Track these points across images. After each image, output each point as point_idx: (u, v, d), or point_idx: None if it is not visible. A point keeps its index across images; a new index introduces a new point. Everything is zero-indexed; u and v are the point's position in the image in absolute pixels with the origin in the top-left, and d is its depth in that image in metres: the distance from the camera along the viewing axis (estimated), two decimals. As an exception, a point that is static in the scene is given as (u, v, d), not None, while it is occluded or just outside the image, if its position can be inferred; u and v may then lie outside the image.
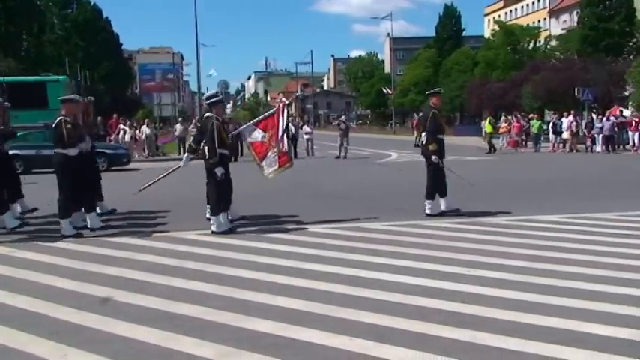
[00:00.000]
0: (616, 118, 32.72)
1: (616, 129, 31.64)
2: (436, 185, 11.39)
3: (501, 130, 35.98)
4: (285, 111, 11.16)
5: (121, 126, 32.94)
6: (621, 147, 31.97)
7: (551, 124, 35.34)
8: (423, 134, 11.66)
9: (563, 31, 69.16)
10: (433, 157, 11.34)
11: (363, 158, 28.78)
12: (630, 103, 41.67)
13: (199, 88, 54.18)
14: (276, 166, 11.09)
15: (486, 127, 34.40)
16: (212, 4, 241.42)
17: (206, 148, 10.20)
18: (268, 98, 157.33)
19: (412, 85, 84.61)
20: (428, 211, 11.33)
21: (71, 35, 65.60)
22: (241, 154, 31.56)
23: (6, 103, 11.83)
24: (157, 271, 7.65)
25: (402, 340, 5.12)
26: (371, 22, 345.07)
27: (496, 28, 70.76)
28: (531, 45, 66.49)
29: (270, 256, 8.35)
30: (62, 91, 31.94)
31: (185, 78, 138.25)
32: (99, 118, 34.73)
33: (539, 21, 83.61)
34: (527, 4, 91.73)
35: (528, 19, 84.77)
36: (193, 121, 42.74)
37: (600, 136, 31.54)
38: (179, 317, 5.85)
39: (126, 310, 6.13)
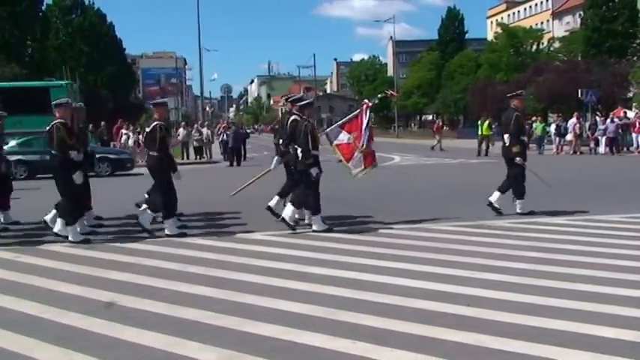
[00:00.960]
0: (620, 119, 32.69)
1: (620, 131, 31.62)
2: (521, 185, 11.59)
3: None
4: (369, 112, 11.28)
5: (124, 130, 33.00)
6: (625, 149, 31.94)
7: (554, 126, 35.30)
8: (506, 136, 11.85)
9: (567, 33, 69.15)
10: (517, 159, 11.58)
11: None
12: (634, 104, 41.66)
13: (202, 92, 54.53)
14: (362, 167, 11.26)
15: (484, 129, 33.08)
16: (215, 9, 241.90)
17: (299, 149, 10.41)
18: (271, 102, 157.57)
19: (415, 88, 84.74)
20: (519, 210, 11.52)
21: (75, 40, 65.70)
22: (244, 159, 31.65)
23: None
24: (160, 276, 7.67)
25: (403, 343, 5.13)
26: (373, 25, 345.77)
27: (499, 30, 70.80)
28: (534, 47, 66.50)
29: (271, 260, 8.37)
30: (65, 96, 32.11)
31: (188, 82, 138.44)
32: (102, 123, 34.90)
33: (542, 23, 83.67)
34: (530, 6, 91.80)
35: (531, 21, 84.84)
36: (195, 125, 42.85)
37: (604, 137, 31.51)
38: (183, 322, 5.87)
39: (130, 315, 6.15)
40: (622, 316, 5.65)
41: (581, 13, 62.28)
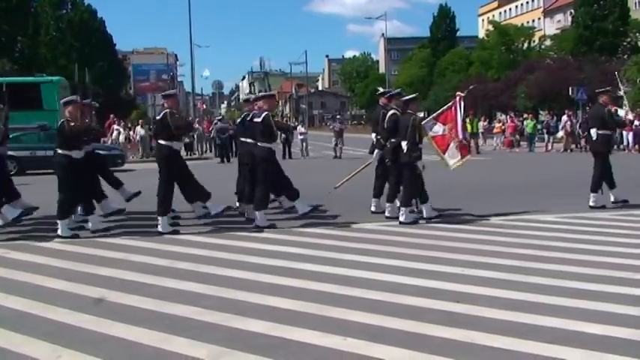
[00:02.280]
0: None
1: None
2: (604, 178, 11.86)
3: (495, 131, 36.00)
4: (462, 103, 11.43)
5: (115, 126, 32.89)
6: (615, 147, 31.95)
7: (544, 124, 35.37)
8: (593, 131, 12.15)
9: (558, 31, 69.22)
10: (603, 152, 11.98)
11: (357, 158, 28.76)
12: (625, 102, 41.76)
13: (193, 88, 54.33)
14: (459, 157, 11.36)
15: (473, 127, 32.32)
16: (206, 5, 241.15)
17: (404, 143, 10.59)
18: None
19: (407, 86, 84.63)
20: (592, 204, 11.72)
21: (65, 36, 65.42)
22: (235, 155, 31.54)
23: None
24: (149, 272, 7.64)
25: (394, 339, 5.13)
26: (365, 22, 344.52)
27: (490, 28, 70.85)
28: (526, 45, 66.58)
29: (261, 256, 8.35)
30: (56, 92, 31.97)
31: (179, 79, 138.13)
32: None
33: (533, 21, 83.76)
34: (522, 4, 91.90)
35: (523, 18, 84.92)
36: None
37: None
38: (172, 318, 5.86)
39: (120, 310, 6.13)
40: (612, 313, 5.67)
41: (572, 11, 62.39)
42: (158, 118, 10.86)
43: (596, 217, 10.93)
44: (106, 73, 60.34)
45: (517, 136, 35.82)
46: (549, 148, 33.39)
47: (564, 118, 33.15)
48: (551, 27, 78.67)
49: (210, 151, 35.35)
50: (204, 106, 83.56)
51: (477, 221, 10.76)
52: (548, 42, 65.65)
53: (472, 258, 7.98)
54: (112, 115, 35.15)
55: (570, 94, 37.41)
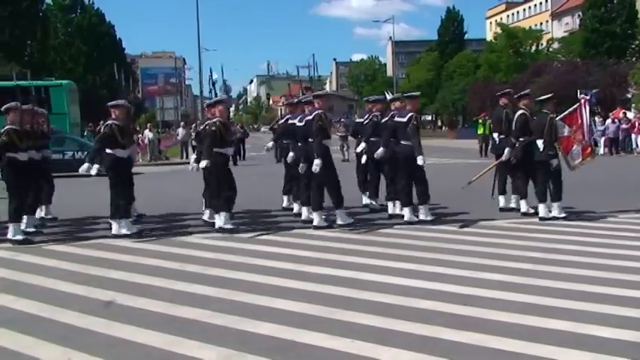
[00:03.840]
0: (619, 120, 32.67)
1: (620, 132, 31.58)
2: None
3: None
4: (587, 106, 11.73)
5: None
6: (621, 150, 31.82)
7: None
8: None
9: (566, 34, 69.18)
10: None
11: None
12: (633, 105, 41.67)
13: (201, 91, 54.37)
14: (580, 159, 11.62)
15: (486, 128, 32.70)
16: (214, 9, 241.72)
17: (539, 141, 10.92)
18: (270, 102, 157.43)
19: (414, 89, 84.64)
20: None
21: (74, 40, 65.73)
22: (243, 158, 31.64)
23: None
24: (159, 275, 7.67)
25: (403, 342, 5.14)
26: (372, 25, 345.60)
27: (498, 30, 70.78)
28: (534, 48, 66.50)
29: (270, 259, 8.37)
30: (65, 95, 32.10)
31: (187, 82, 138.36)
32: (101, 122, 34.85)
33: (541, 24, 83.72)
34: (530, 7, 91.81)
35: (530, 21, 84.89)
36: (194, 125, 42.80)
37: (603, 138, 31.48)
38: (182, 320, 5.88)
39: (130, 313, 6.16)
40: (620, 316, 5.66)
41: (580, 14, 62.35)
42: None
43: (605, 219, 10.90)
44: (115, 76, 60.45)
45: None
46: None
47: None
48: (559, 30, 78.57)
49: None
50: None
51: (486, 224, 10.74)
52: (556, 45, 65.60)
53: (481, 261, 7.97)
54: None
55: (578, 96, 37.29)
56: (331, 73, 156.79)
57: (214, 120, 10.54)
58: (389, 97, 13.06)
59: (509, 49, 65.23)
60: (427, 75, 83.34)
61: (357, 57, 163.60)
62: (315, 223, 10.65)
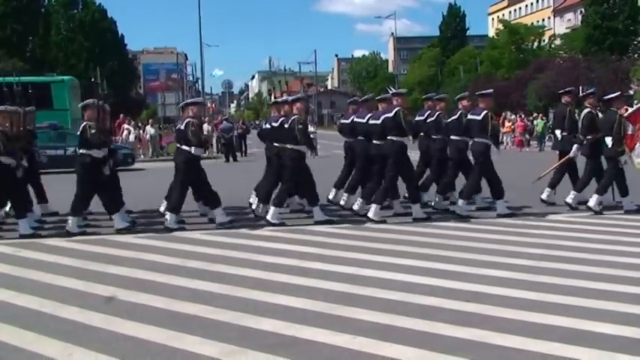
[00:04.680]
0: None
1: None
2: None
3: (505, 130, 35.92)
4: None
5: (125, 125, 32.97)
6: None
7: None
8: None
9: (568, 30, 69.05)
10: None
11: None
12: (635, 101, 41.60)
13: (203, 87, 54.36)
14: None
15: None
16: (215, 4, 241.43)
17: (607, 138, 11.25)
18: (272, 98, 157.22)
19: (416, 85, 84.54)
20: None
21: (76, 36, 65.62)
22: (245, 154, 31.62)
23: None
24: (161, 271, 7.67)
25: (405, 338, 5.13)
26: (374, 21, 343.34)
27: (500, 27, 70.65)
28: (536, 44, 66.37)
29: (272, 255, 8.37)
30: (67, 91, 32.08)
31: (189, 78, 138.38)
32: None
33: (543, 20, 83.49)
34: (532, 3, 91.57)
35: (532, 17, 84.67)
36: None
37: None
38: (183, 316, 5.87)
39: (131, 309, 6.15)
40: (623, 313, 5.65)
41: (582, 10, 62.17)
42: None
43: (609, 216, 10.89)
44: (117, 72, 60.43)
45: (527, 136, 35.71)
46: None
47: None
48: (561, 26, 78.40)
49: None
50: (214, 106, 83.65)
51: (488, 221, 10.73)
52: (558, 41, 65.42)
53: (484, 257, 7.96)
54: (122, 115, 35.24)
55: (580, 93, 37.27)
56: (333, 69, 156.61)
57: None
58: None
59: (511, 46, 65.09)
60: (429, 71, 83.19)
61: (358, 53, 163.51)
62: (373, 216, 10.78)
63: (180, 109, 15.45)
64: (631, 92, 45.01)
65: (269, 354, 4.88)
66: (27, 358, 5.00)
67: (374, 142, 11.17)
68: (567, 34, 65.48)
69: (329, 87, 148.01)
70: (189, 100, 12.23)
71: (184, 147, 10.49)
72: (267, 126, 11.97)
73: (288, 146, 10.73)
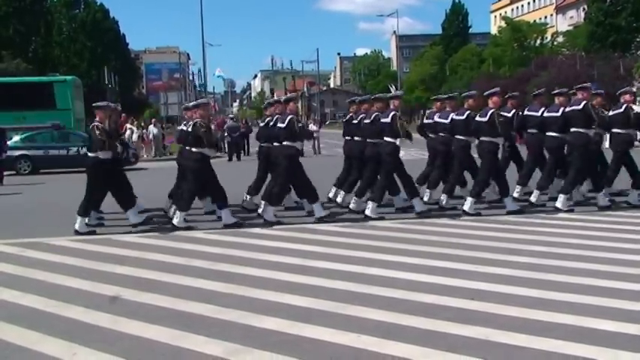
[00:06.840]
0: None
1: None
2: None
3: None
4: None
5: (128, 125, 32.98)
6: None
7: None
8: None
9: (570, 27, 68.98)
10: None
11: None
12: (639, 98, 41.52)
13: (206, 87, 54.47)
14: None
15: None
16: (217, 4, 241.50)
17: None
18: (274, 97, 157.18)
19: (418, 83, 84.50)
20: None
21: (78, 36, 65.76)
22: (248, 153, 31.60)
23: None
24: (165, 270, 7.68)
25: (409, 336, 5.14)
26: (376, 19, 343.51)
27: (503, 24, 70.61)
28: (538, 41, 66.31)
29: (276, 254, 8.37)
30: (70, 91, 32.11)
31: (191, 77, 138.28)
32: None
33: (545, 17, 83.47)
34: (534, 0, 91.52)
35: (535, 15, 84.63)
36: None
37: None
38: (188, 315, 5.89)
39: (135, 308, 6.17)
40: (626, 310, 5.65)
41: (585, 7, 62.11)
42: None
43: (611, 214, 10.88)
44: (119, 72, 60.53)
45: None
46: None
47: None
48: (563, 23, 78.33)
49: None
50: (217, 106, 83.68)
51: (491, 219, 10.73)
52: (560, 38, 65.36)
53: (487, 255, 7.97)
54: (124, 115, 35.22)
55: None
56: (335, 67, 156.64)
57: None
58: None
59: (513, 43, 65.07)
60: (431, 69, 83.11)
61: (360, 51, 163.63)
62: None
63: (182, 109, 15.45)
64: (634, 89, 44.95)
65: (273, 353, 4.89)
66: (31, 358, 5.02)
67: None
68: (570, 31, 65.44)
69: (331, 85, 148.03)
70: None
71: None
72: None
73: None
